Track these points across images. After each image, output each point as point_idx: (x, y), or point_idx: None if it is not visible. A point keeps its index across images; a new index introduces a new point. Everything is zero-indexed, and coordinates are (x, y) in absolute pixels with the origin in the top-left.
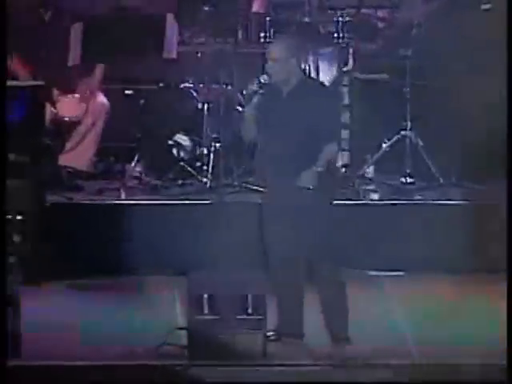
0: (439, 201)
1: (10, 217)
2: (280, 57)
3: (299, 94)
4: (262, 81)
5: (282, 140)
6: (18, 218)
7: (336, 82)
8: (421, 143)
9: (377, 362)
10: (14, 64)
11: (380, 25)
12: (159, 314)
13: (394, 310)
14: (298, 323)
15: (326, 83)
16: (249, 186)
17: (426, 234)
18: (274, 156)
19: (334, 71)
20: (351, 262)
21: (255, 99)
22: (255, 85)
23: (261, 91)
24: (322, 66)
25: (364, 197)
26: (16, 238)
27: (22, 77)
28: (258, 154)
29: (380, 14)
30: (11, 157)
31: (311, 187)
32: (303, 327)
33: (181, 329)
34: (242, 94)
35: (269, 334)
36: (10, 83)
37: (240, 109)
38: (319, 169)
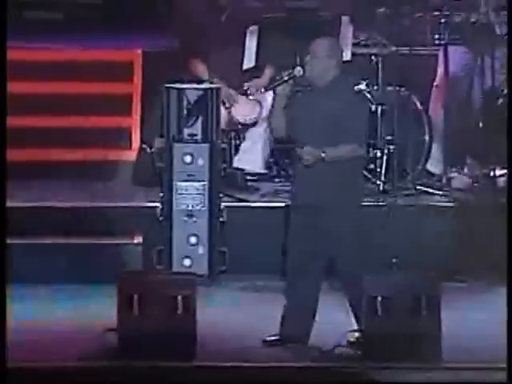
0: None
1: (185, 219)
2: (320, 54)
3: (329, 93)
4: (296, 72)
5: (308, 135)
6: (194, 220)
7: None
8: None
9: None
10: (193, 66)
11: None
12: (332, 316)
13: None
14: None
15: (498, 84)
16: (423, 188)
17: None
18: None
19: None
20: None
21: (283, 89)
22: (286, 74)
23: (291, 81)
24: (496, 67)
25: None
26: (193, 240)
27: (198, 79)
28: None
29: None
30: (187, 159)
31: (306, 163)
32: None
33: (353, 331)
34: None
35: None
36: (187, 86)
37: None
38: (322, 154)
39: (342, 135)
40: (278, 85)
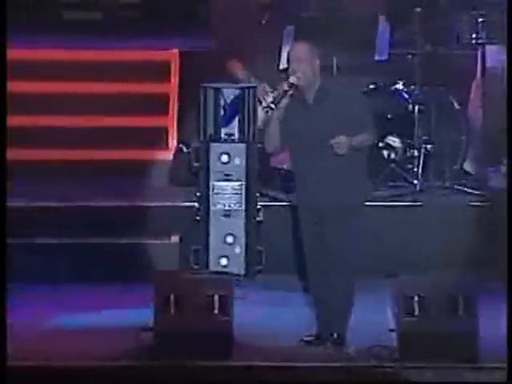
0: None
1: (222, 218)
2: (306, 57)
3: (325, 92)
4: (292, 81)
5: (316, 141)
6: (231, 219)
7: None
8: None
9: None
10: (231, 65)
11: None
12: (370, 316)
13: None
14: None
15: None
16: (460, 187)
17: None
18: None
19: None
20: None
21: (285, 100)
22: (286, 84)
23: (290, 92)
24: None
25: None
26: (229, 239)
27: (235, 78)
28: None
29: None
30: (224, 158)
31: (340, 152)
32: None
33: (391, 330)
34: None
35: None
36: (223, 85)
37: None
38: (353, 142)
39: (348, 130)
40: (282, 97)
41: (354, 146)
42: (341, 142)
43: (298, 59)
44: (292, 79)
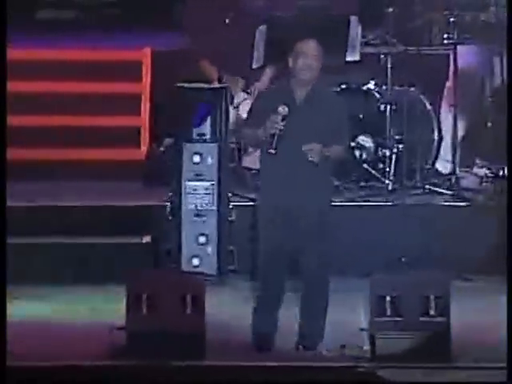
0: None
1: (194, 218)
2: (315, 54)
3: (316, 94)
4: (284, 112)
5: (292, 141)
6: (203, 219)
7: None
8: None
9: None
10: (203, 64)
11: None
12: (342, 315)
13: None
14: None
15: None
16: (432, 187)
17: None
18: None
19: None
20: None
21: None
22: (279, 120)
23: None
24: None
25: None
26: (201, 239)
27: (208, 77)
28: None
29: None
30: (196, 158)
31: (313, 159)
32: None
33: (363, 330)
34: None
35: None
36: (195, 85)
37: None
38: (327, 153)
39: (326, 137)
40: (280, 136)
41: (327, 157)
42: (314, 149)
43: (311, 56)
44: (284, 111)
